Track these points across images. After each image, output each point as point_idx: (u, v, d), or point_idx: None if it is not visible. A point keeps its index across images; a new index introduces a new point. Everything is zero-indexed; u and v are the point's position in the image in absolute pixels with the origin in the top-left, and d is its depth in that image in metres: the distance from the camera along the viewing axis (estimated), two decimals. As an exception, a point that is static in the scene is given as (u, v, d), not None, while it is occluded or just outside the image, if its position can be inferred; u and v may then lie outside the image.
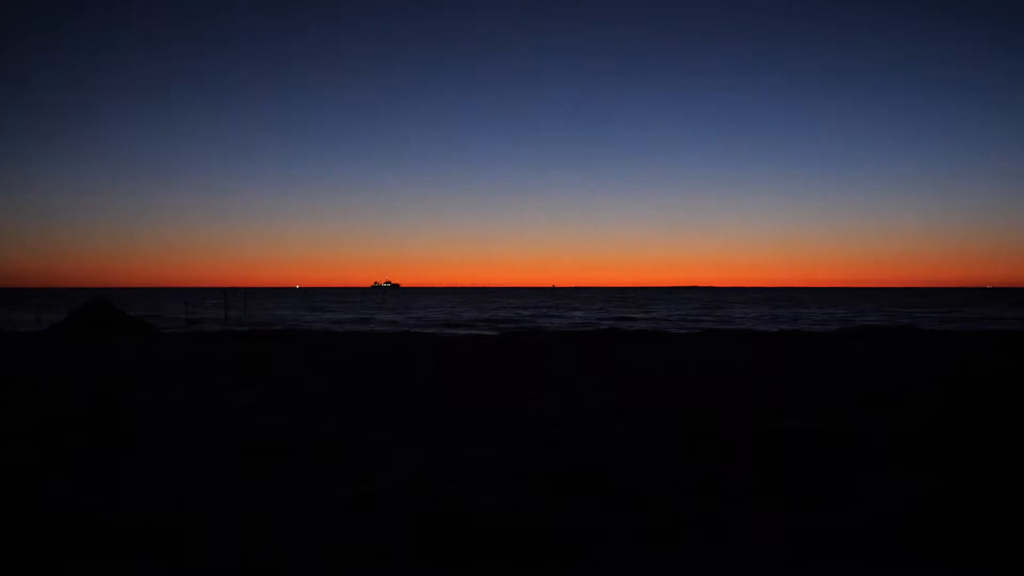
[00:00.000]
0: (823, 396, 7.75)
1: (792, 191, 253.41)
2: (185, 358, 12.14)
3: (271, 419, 6.47)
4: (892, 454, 5.10)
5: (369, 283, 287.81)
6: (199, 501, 4.03)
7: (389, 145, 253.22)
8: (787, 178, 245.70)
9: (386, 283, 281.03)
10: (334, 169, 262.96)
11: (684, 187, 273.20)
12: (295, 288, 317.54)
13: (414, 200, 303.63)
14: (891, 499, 4.05)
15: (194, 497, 4.10)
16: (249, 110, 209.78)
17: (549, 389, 8.38)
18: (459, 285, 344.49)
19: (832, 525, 3.63)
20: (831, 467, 4.75)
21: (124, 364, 11.14)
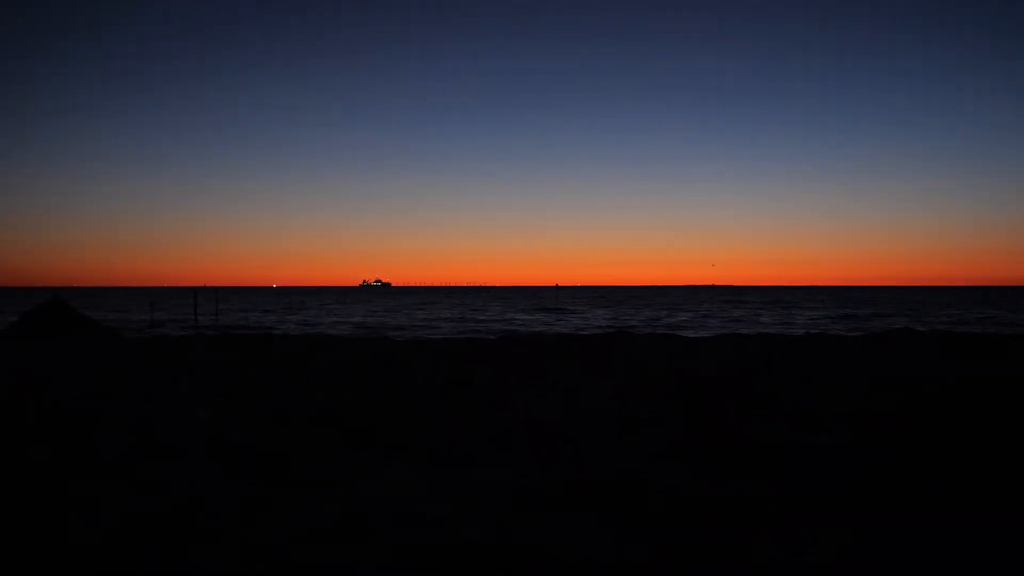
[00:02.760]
0: (853, 409, 7.73)
1: (803, 187, 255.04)
2: (149, 366, 12.11)
3: (245, 434, 6.45)
4: (938, 472, 5.07)
5: (358, 282, 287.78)
6: (162, 523, 4.01)
7: (382, 134, 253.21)
8: (795, 175, 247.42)
9: (376, 282, 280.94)
10: (322, 160, 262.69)
11: (693, 184, 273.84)
12: (272, 288, 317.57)
13: (408, 193, 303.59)
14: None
15: (156, 520, 4.08)
16: (226, 97, 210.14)
17: (549, 397, 8.38)
18: (457, 284, 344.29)
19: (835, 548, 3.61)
20: (852, 487, 4.73)
21: (80, 373, 11.12)
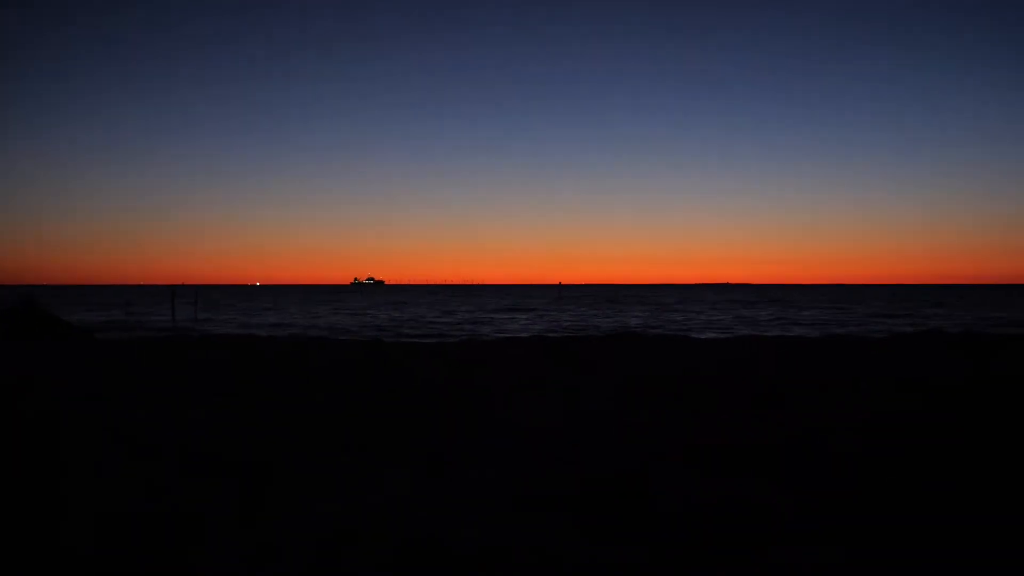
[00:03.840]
0: (856, 410, 7.64)
1: (813, 186, 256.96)
2: (126, 369, 11.92)
3: (235, 440, 6.38)
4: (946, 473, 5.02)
5: (349, 280, 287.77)
6: (158, 526, 3.98)
7: (374, 127, 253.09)
8: (803, 173, 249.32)
9: (368, 280, 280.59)
10: (315, 157, 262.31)
11: (700, 180, 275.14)
12: (255, 286, 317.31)
13: (403, 189, 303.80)
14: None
15: (144, 528, 4.04)
16: (224, 97, 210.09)
17: (550, 398, 8.35)
18: (453, 283, 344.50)
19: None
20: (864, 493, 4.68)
21: (53, 376, 10.94)
